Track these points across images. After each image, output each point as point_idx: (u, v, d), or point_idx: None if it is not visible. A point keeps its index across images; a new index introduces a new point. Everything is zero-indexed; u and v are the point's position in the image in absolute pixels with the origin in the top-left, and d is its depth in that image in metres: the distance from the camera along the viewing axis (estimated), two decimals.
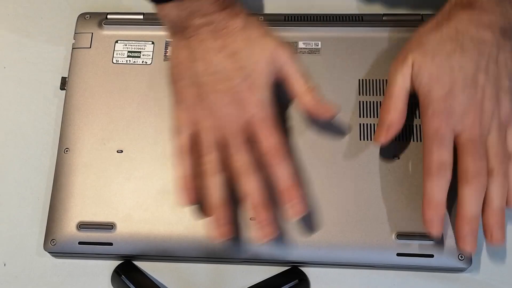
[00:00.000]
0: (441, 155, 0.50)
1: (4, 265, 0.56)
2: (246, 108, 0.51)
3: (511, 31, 0.52)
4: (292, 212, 0.49)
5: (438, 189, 0.50)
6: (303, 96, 0.52)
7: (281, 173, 0.50)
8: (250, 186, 0.50)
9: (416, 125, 0.55)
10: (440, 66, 0.51)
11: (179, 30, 0.53)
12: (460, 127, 0.50)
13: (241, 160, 0.50)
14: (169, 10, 0.52)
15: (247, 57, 0.52)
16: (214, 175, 0.50)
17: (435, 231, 0.49)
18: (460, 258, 0.52)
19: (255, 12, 0.61)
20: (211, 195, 0.50)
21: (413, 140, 0.55)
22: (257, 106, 0.51)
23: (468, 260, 0.52)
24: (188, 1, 0.51)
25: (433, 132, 0.50)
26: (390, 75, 0.53)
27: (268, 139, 0.50)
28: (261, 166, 0.50)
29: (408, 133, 0.55)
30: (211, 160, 0.51)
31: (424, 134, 0.51)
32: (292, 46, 0.55)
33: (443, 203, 0.49)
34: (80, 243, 0.54)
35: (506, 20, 0.51)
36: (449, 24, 0.52)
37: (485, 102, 0.50)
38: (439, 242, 0.52)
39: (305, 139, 0.56)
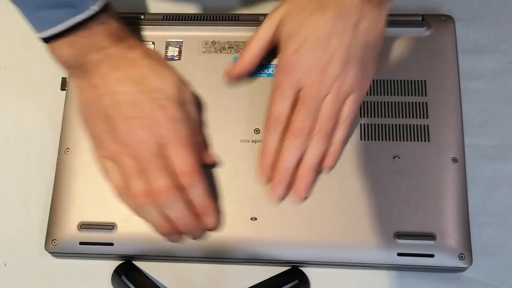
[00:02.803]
0: (277, 108, 0.53)
1: (5, 265, 0.56)
2: (157, 130, 0.50)
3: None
4: (208, 223, 0.52)
5: (271, 139, 0.53)
6: None
7: (195, 193, 0.51)
8: (172, 213, 0.51)
9: (416, 125, 0.55)
10: (299, 23, 0.52)
11: (76, 69, 0.53)
12: (302, 83, 0.52)
13: (159, 185, 0.50)
14: (61, 49, 0.51)
15: (155, 79, 0.52)
16: (142, 207, 0.51)
17: (264, 176, 0.53)
18: (460, 258, 0.52)
19: (255, 12, 0.61)
20: (152, 225, 0.52)
21: (413, 140, 0.55)
22: (168, 125, 0.50)
23: (468, 260, 0.52)
24: (80, 38, 0.50)
25: (276, 85, 0.53)
26: (264, 21, 0.55)
27: (179, 161, 0.50)
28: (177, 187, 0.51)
29: (408, 133, 0.55)
30: (135, 192, 0.50)
31: (272, 86, 0.54)
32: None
33: (272, 151, 0.53)
34: (81, 243, 0.54)
35: None
36: None
37: (331, 65, 0.51)
38: (440, 241, 0.52)
39: None
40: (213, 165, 0.55)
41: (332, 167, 0.54)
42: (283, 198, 0.53)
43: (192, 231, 0.52)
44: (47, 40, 0.51)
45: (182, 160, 0.50)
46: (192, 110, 0.54)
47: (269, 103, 0.54)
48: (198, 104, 0.56)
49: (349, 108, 0.53)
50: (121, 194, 0.52)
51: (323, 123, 0.52)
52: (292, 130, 0.52)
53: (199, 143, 0.54)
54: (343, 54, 0.51)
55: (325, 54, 0.51)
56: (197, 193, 0.51)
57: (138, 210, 0.51)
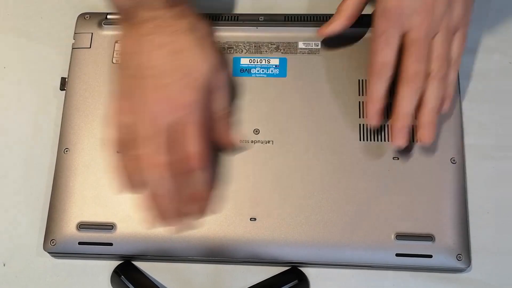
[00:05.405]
0: (383, 56, 0.52)
1: (4, 265, 0.56)
2: (175, 108, 0.50)
3: None
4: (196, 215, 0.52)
5: (378, 87, 0.52)
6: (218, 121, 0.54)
7: (197, 179, 0.51)
8: (159, 191, 0.50)
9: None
10: None
11: (126, 18, 0.53)
12: (408, 26, 0.51)
13: (157, 161, 0.49)
14: None
15: (189, 57, 0.51)
16: (147, 172, 0.50)
17: (373, 122, 0.53)
18: (458, 258, 0.52)
19: (256, 12, 0.61)
20: (151, 189, 0.51)
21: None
22: (186, 108, 0.50)
23: (466, 261, 0.52)
24: None
25: (380, 32, 0.52)
26: None
27: (189, 146, 0.50)
28: (178, 168, 0.50)
29: None
30: (137, 156, 0.50)
31: (372, 33, 0.53)
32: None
33: (382, 99, 0.52)
34: (80, 243, 0.54)
35: None
36: None
37: (436, 4, 0.51)
38: (438, 242, 0.52)
39: (305, 139, 0.56)
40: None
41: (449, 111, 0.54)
42: (406, 144, 0.53)
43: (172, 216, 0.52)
44: None
45: (194, 146, 0.50)
46: (220, 97, 0.53)
47: (372, 51, 0.53)
48: (230, 90, 0.55)
49: (458, 46, 0.53)
50: (121, 149, 0.52)
51: (440, 65, 0.52)
52: (407, 76, 0.51)
53: (219, 132, 0.54)
54: None
55: None
56: (199, 180, 0.51)
57: (128, 172, 0.51)
